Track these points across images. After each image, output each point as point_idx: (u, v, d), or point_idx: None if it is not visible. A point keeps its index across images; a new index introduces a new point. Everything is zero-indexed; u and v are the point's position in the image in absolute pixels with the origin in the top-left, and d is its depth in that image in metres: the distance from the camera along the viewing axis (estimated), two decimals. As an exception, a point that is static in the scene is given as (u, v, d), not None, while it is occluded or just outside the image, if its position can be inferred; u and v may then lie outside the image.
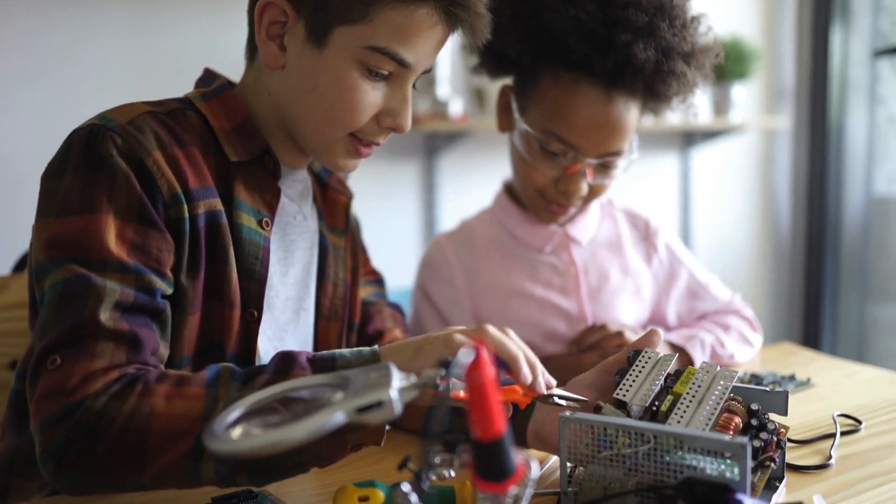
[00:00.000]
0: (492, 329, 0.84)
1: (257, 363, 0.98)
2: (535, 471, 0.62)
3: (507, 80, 1.35)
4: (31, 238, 0.90)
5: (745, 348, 1.40)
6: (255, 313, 0.98)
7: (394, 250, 2.68)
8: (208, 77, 1.05)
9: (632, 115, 1.24)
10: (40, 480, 0.99)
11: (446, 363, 0.62)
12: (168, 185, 0.89)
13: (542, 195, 1.29)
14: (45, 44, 2.18)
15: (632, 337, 1.25)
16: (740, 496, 0.69)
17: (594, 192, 1.29)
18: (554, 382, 0.87)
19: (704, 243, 3.38)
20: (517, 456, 0.61)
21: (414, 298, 1.44)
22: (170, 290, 0.90)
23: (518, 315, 1.35)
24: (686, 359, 1.32)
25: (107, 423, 0.76)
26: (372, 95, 0.96)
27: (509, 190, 1.42)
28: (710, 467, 0.74)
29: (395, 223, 2.74)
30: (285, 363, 0.81)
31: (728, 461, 0.74)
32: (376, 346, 0.85)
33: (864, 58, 3.37)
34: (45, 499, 0.95)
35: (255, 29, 0.98)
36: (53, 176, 0.89)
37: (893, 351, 3.35)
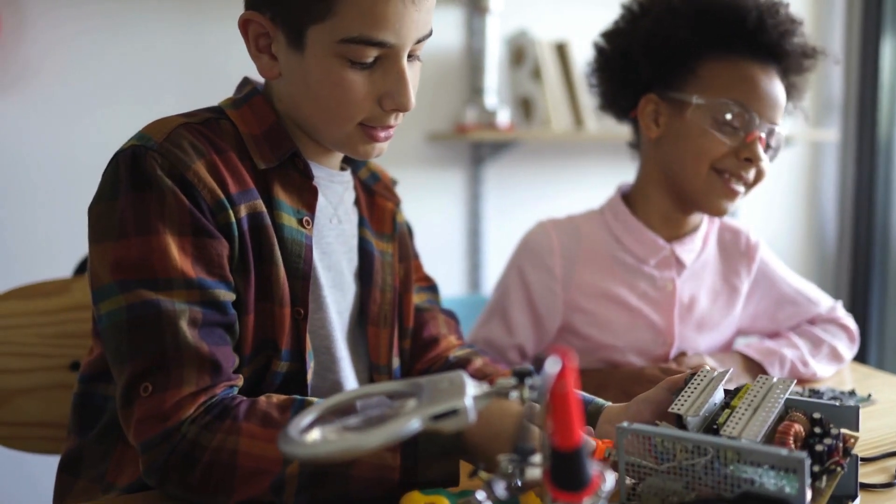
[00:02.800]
0: None
1: (308, 361, 1.01)
2: (610, 483, 0.62)
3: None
4: (89, 260, 0.94)
5: (833, 366, 1.41)
6: (302, 311, 1.00)
7: (438, 259, 2.69)
8: (241, 85, 1.08)
9: (783, 89, 1.34)
10: (105, 483, 1.01)
11: (522, 374, 0.63)
12: (210, 193, 0.93)
13: (718, 171, 1.32)
14: (88, 51, 2.22)
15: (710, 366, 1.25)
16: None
17: (760, 172, 1.34)
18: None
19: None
20: (593, 467, 0.61)
21: (506, 275, 1.44)
22: (234, 296, 0.94)
23: (608, 318, 1.37)
24: (764, 374, 1.32)
25: (199, 453, 0.85)
26: (364, 84, 0.97)
27: (626, 197, 1.45)
28: (770, 482, 0.73)
29: (440, 232, 2.75)
30: None
31: (789, 475, 0.73)
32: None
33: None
34: (113, 497, 0.97)
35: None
36: (105, 200, 0.93)
37: (942, 368, 3.29)
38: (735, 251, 1.47)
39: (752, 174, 1.32)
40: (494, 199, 2.81)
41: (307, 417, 0.68)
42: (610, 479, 0.62)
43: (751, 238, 1.49)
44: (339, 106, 0.98)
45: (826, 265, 3.55)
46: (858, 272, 3.48)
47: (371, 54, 0.95)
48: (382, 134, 1.02)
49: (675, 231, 1.40)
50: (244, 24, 0.99)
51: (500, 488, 0.63)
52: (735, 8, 1.31)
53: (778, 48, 1.31)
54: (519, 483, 0.69)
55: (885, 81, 3.34)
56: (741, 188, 1.33)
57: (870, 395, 1.25)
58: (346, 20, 0.93)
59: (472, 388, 0.66)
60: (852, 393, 1.26)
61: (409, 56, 0.99)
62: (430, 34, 1.00)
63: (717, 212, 1.36)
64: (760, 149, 1.29)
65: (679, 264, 1.39)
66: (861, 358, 3.39)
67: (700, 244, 1.43)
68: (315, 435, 0.66)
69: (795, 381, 0.87)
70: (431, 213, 2.72)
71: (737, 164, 1.31)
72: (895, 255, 3.41)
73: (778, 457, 0.72)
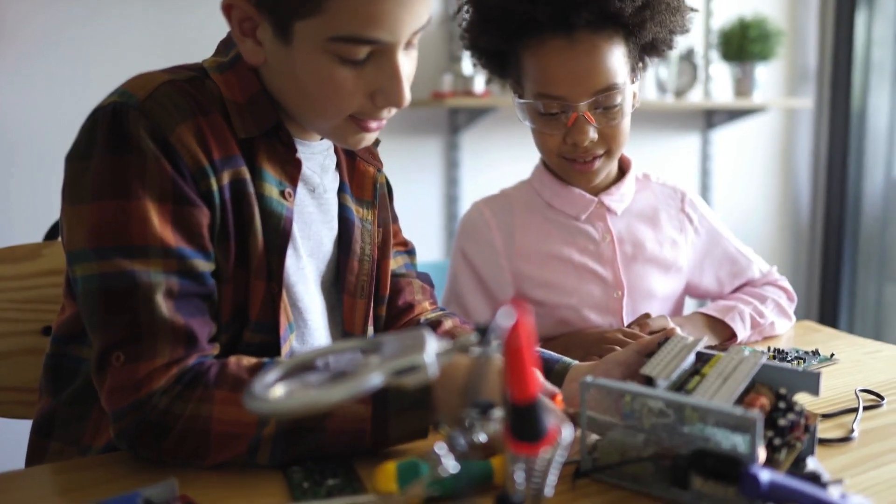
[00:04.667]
0: None
1: (286, 334, 0.99)
2: (568, 435, 0.64)
3: None
4: (61, 219, 0.92)
5: (783, 320, 1.43)
6: (276, 286, 0.98)
7: (416, 226, 2.70)
8: (228, 42, 1.02)
9: (601, 50, 1.24)
10: (81, 445, 1.01)
11: (483, 329, 0.64)
12: (193, 159, 0.90)
13: (562, 157, 1.32)
14: (74, 23, 2.19)
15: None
16: (755, 469, 0.70)
17: (610, 138, 1.30)
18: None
19: (723, 223, 3.37)
20: (551, 419, 0.63)
21: (452, 262, 1.46)
22: (213, 265, 0.93)
23: (556, 279, 1.38)
24: (727, 331, 1.35)
25: (171, 422, 0.85)
26: (355, 81, 0.91)
27: (546, 163, 1.44)
28: (726, 441, 0.75)
29: (417, 199, 2.75)
30: None
31: (744, 436, 0.75)
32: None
33: (888, 40, 3.34)
34: (91, 458, 0.98)
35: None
36: (80, 158, 0.90)
37: (911, 333, 3.35)
38: (672, 206, 1.48)
39: (598, 149, 1.30)
40: (471, 166, 2.82)
41: (272, 374, 0.69)
42: (567, 431, 0.64)
43: (687, 194, 1.50)
44: (328, 101, 0.93)
45: (799, 232, 3.59)
46: (830, 238, 3.52)
47: (363, 52, 0.89)
48: (374, 125, 0.98)
49: (599, 184, 1.40)
50: (227, 9, 0.92)
51: (461, 442, 0.64)
52: (500, 2, 1.23)
53: (567, 15, 1.21)
54: (483, 437, 0.71)
55: (858, 51, 3.36)
56: (595, 161, 1.32)
57: (832, 355, 1.27)
58: (336, 18, 0.87)
59: (433, 345, 0.67)
60: (816, 353, 1.28)
61: (406, 45, 0.94)
62: (428, 23, 0.94)
63: (586, 186, 1.38)
64: (588, 125, 1.26)
65: (611, 213, 1.40)
66: (831, 324, 3.45)
67: (630, 192, 1.44)
68: (279, 391, 0.67)
69: (766, 356, 0.88)
70: (409, 179, 2.73)
71: (571, 149, 1.30)
72: (867, 222, 3.46)
73: (731, 416, 0.74)
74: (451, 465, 0.65)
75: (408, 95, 0.94)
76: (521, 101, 1.30)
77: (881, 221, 3.43)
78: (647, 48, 1.31)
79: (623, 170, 1.44)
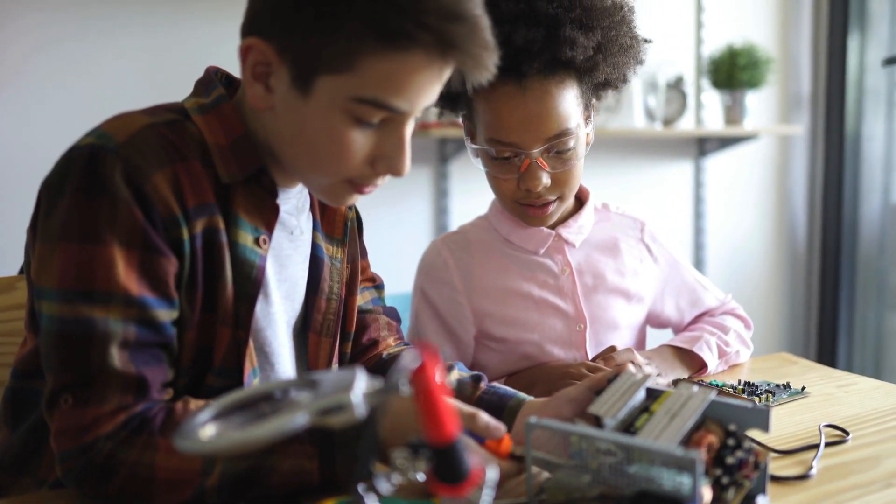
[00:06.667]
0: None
1: (250, 378, 0.99)
2: (494, 474, 0.63)
3: None
4: (29, 248, 0.93)
5: (744, 348, 1.44)
6: (243, 335, 0.97)
7: (405, 256, 2.69)
8: (208, 82, 1.01)
9: (553, 96, 1.22)
10: (35, 478, 1.00)
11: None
12: (166, 208, 0.89)
13: (516, 202, 1.31)
14: (60, 47, 2.21)
15: (640, 362, 1.26)
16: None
17: (562, 183, 1.28)
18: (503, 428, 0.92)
19: (717, 252, 3.36)
20: (474, 459, 0.62)
21: (413, 302, 1.45)
22: (177, 314, 0.92)
23: (517, 315, 1.36)
24: (697, 361, 1.35)
25: (115, 466, 0.85)
26: (362, 143, 0.91)
27: None
28: (670, 482, 0.74)
29: (406, 229, 2.75)
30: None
31: (688, 476, 0.74)
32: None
33: (880, 66, 3.34)
34: (39, 493, 0.97)
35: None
36: (52, 194, 0.90)
37: (910, 362, 3.32)
38: (632, 235, 1.46)
39: (552, 194, 1.28)
40: (460, 195, 2.82)
41: (204, 414, 0.69)
42: (492, 471, 0.63)
43: (646, 224, 1.49)
44: (332, 161, 0.92)
45: (795, 260, 3.57)
46: (827, 267, 3.50)
47: (378, 116, 0.90)
48: (368, 189, 0.98)
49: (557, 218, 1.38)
50: (245, 50, 0.91)
51: (385, 483, 0.64)
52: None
53: (518, 64, 1.19)
54: (421, 476, 0.70)
55: (851, 77, 3.36)
56: (548, 205, 1.30)
57: (803, 388, 1.26)
58: (364, 79, 0.87)
59: (361, 384, 0.66)
60: (787, 386, 1.27)
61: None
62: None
63: (539, 226, 1.36)
64: (541, 171, 1.24)
65: (570, 246, 1.39)
66: (830, 354, 3.42)
67: (589, 223, 1.42)
68: (210, 431, 0.67)
69: (715, 393, 0.87)
70: (398, 209, 2.72)
71: (525, 194, 1.28)
72: (864, 249, 3.43)
73: (672, 456, 0.73)
74: (374, 505, 0.65)
75: (408, 166, 0.94)
76: (474, 146, 1.30)
77: (878, 248, 3.41)
78: (600, 86, 1.30)
79: (581, 201, 1.43)
